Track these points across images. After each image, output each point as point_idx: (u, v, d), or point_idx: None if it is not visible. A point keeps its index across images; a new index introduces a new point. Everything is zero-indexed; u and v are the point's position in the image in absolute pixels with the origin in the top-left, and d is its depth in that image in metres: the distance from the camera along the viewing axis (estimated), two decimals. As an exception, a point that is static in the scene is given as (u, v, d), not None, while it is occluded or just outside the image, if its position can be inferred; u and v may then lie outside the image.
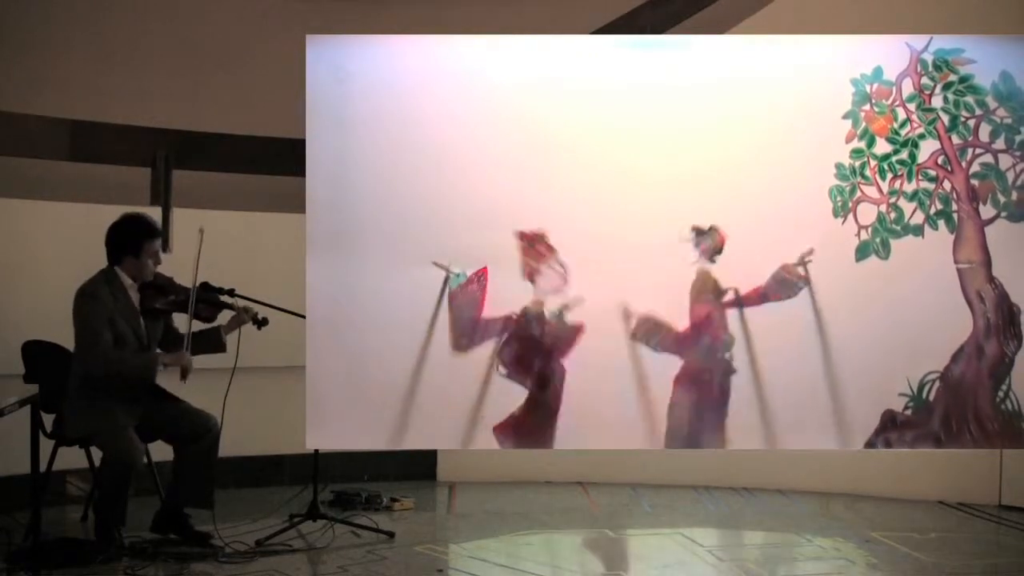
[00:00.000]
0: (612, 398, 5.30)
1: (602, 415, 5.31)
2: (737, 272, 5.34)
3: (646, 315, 5.31)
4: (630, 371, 5.31)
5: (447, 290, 5.31)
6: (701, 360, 5.32)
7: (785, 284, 5.32)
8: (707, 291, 5.32)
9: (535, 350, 5.31)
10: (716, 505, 6.80)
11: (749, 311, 5.33)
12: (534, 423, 5.31)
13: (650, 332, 5.31)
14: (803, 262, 5.30)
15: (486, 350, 5.33)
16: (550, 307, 5.31)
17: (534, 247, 5.30)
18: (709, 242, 5.30)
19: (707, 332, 5.33)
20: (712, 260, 5.32)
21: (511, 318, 5.33)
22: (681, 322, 5.33)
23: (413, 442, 5.39)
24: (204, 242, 5.55)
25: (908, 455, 6.49)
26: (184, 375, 5.57)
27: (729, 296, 5.33)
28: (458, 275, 5.31)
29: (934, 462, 6.68)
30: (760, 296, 5.33)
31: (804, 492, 6.99)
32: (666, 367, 5.33)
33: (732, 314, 5.34)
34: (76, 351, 5.58)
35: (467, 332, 5.32)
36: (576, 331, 5.32)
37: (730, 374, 5.33)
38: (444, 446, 5.57)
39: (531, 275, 5.33)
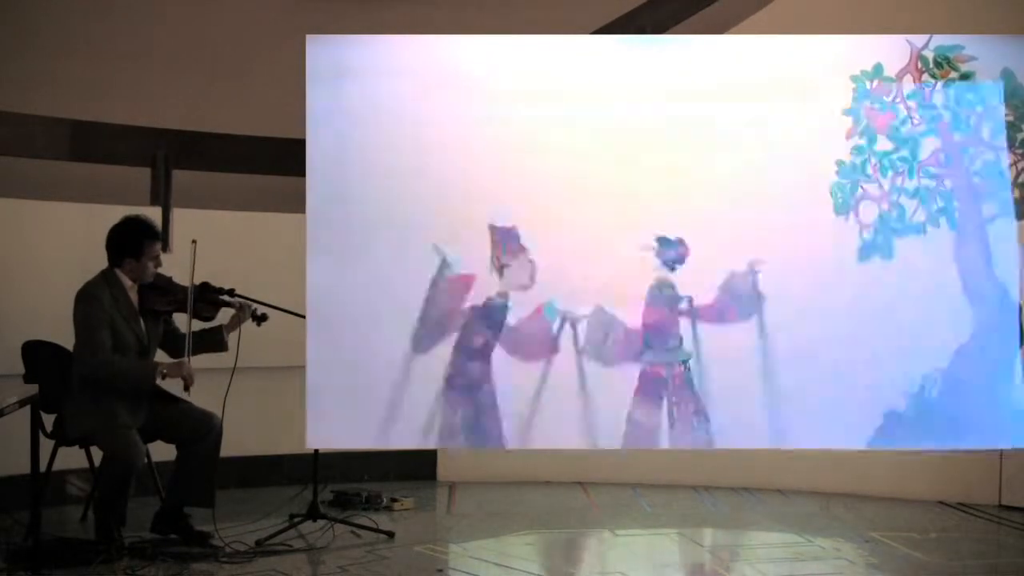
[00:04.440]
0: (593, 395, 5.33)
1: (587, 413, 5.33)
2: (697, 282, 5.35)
3: (597, 309, 5.31)
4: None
5: (444, 274, 5.31)
6: (656, 357, 5.32)
7: (738, 298, 5.31)
8: (662, 296, 5.31)
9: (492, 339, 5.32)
10: (716, 505, 6.79)
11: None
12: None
13: (600, 338, 5.31)
14: (752, 271, 5.30)
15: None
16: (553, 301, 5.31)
17: (506, 243, 5.30)
18: (673, 252, 5.30)
19: (657, 333, 5.32)
20: (672, 269, 5.32)
21: (474, 307, 5.32)
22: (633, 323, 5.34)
23: (413, 442, 5.39)
24: (203, 244, 5.56)
25: (908, 455, 6.49)
26: (187, 386, 5.56)
27: (683, 305, 5.33)
28: (451, 262, 5.31)
29: (934, 462, 6.68)
30: (716, 313, 5.33)
31: (804, 492, 6.99)
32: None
33: (685, 322, 5.35)
34: (76, 352, 5.58)
35: (430, 332, 5.32)
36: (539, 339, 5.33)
37: (687, 361, 5.32)
38: (444, 445, 5.56)
39: (499, 268, 5.32)
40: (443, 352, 5.33)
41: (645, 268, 5.32)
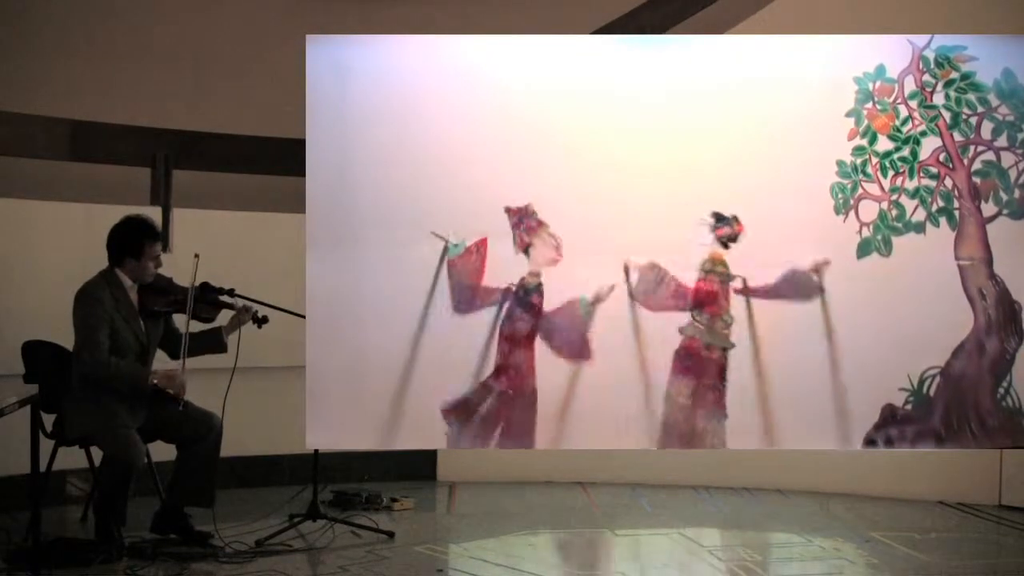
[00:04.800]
0: (609, 393, 5.31)
1: (604, 411, 5.32)
2: (748, 264, 5.33)
3: (652, 263, 5.30)
4: (629, 353, 5.30)
5: (445, 259, 5.30)
6: (699, 331, 5.31)
7: (800, 287, 5.30)
8: (715, 272, 5.31)
9: (531, 326, 5.30)
10: (716, 505, 6.80)
11: (756, 303, 5.33)
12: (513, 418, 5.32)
13: (653, 281, 5.29)
14: (818, 270, 5.30)
15: (487, 316, 5.30)
16: (583, 296, 5.28)
17: (525, 221, 5.30)
18: (727, 229, 5.30)
19: (708, 303, 5.31)
20: (726, 246, 5.32)
21: (509, 289, 5.32)
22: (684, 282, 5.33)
23: (413, 442, 5.39)
24: (203, 244, 5.60)
25: (908, 455, 6.49)
26: (177, 400, 5.54)
27: (737, 283, 5.33)
28: (456, 245, 5.30)
29: (934, 462, 6.68)
30: (770, 292, 5.33)
31: (804, 492, 6.99)
32: (665, 346, 5.32)
33: (737, 300, 5.34)
34: (75, 352, 5.58)
35: (466, 298, 5.31)
36: (587, 352, 5.31)
37: (728, 349, 5.32)
38: (444, 446, 5.55)
39: (524, 247, 5.32)
40: (448, 346, 5.31)
41: (696, 242, 5.32)
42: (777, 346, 5.31)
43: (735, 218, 5.29)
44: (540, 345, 5.32)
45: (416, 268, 5.32)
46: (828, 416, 5.31)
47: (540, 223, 5.30)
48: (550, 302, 5.32)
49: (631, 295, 5.31)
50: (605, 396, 5.31)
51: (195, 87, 6.76)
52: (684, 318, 5.33)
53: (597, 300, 5.30)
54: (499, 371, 5.31)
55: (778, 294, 5.32)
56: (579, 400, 5.32)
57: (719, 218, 5.29)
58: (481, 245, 5.31)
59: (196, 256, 5.57)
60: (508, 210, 5.31)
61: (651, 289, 5.31)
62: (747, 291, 5.32)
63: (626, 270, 5.31)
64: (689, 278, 5.32)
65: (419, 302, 5.32)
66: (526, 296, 5.30)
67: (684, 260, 5.33)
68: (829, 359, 5.31)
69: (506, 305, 5.31)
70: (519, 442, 5.33)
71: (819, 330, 5.31)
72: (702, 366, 5.32)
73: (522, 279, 5.32)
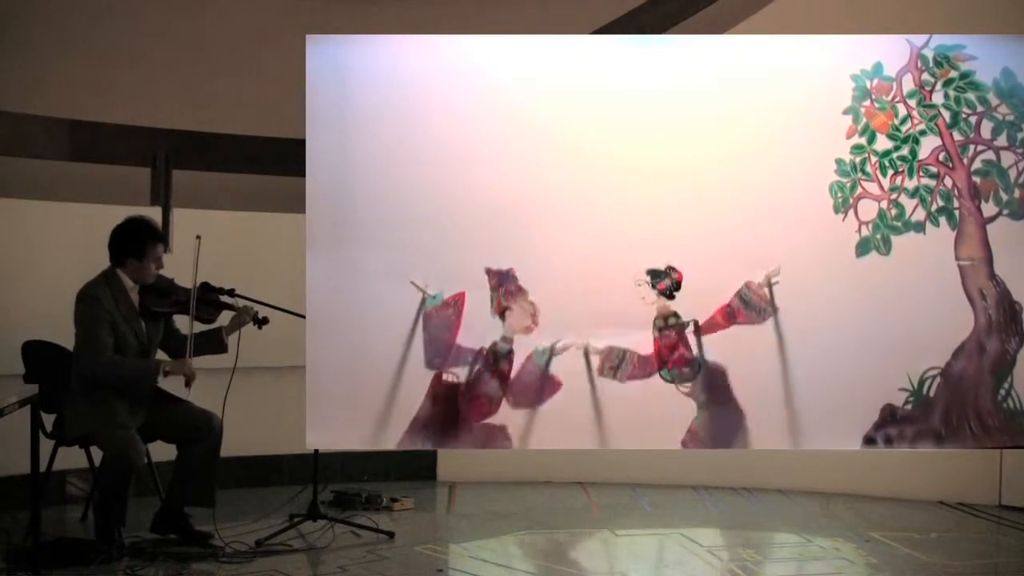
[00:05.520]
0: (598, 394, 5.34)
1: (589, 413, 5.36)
2: (697, 304, 5.34)
3: (609, 347, 5.31)
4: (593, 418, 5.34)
5: (422, 311, 5.30)
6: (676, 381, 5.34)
7: (751, 307, 5.31)
8: (668, 327, 5.31)
9: (499, 389, 5.32)
10: (716, 505, 6.80)
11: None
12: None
13: (615, 363, 5.31)
14: (769, 284, 5.30)
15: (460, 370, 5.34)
16: (537, 346, 5.30)
17: (504, 286, 5.30)
18: (667, 281, 5.31)
19: (672, 357, 5.32)
20: (671, 296, 5.32)
21: (481, 351, 5.32)
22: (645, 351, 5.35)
23: (413, 442, 5.39)
24: (204, 244, 5.57)
25: (908, 455, 6.49)
26: (188, 383, 5.57)
27: (690, 329, 5.33)
28: (434, 297, 5.30)
29: (934, 462, 6.68)
30: (727, 316, 5.32)
31: (804, 492, 6.99)
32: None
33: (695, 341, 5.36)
34: (76, 352, 5.58)
35: (440, 353, 5.31)
36: (555, 387, 5.32)
37: (698, 370, 5.33)
38: (443, 446, 5.56)
39: (500, 311, 5.32)
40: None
41: (645, 302, 5.32)
42: (777, 345, 5.31)
43: (671, 268, 5.29)
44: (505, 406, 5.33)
45: (417, 268, 5.31)
46: (827, 416, 5.31)
47: (519, 289, 5.29)
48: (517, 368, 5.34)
49: (594, 375, 5.32)
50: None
51: (195, 87, 6.76)
52: (655, 382, 5.32)
53: (553, 353, 5.31)
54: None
55: (733, 317, 5.32)
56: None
57: (655, 274, 5.29)
58: (459, 299, 5.30)
59: (198, 238, 5.56)
60: (488, 272, 5.30)
61: (616, 365, 5.32)
62: (699, 332, 5.32)
63: (586, 355, 5.31)
64: (647, 341, 5.32)
65: (419, 301, 5.32)
66: (495, 363, 5.30)
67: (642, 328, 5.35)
68: (828, 359, 5.31)
69: (476, 367, 5.30)
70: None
71: (818, 330, 5.31)
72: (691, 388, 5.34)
73: (494, 343, 5.31)
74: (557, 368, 5.32)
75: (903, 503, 6.77)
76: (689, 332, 5.32)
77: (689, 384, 5.30)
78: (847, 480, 6.93)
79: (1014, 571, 5.72)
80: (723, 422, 5.32)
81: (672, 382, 5.32)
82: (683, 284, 5.31)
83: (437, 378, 5.32)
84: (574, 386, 5.31)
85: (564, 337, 5.30)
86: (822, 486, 6.99)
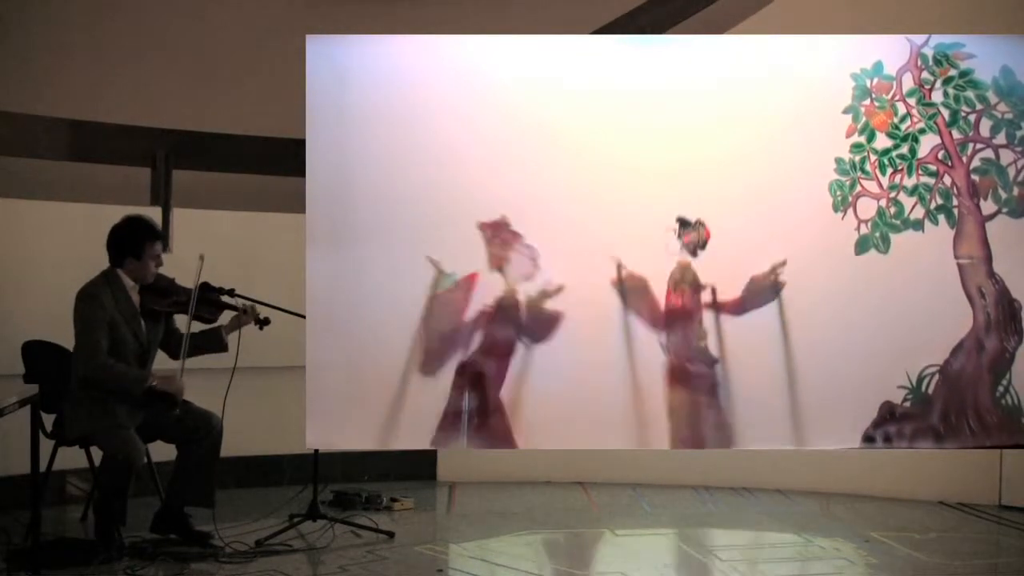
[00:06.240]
0: (596, 394, 5.29)
1: (589, 413, 5.31)
2: (718, 270, 5.32)
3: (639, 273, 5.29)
4: (616, 362, 5.29)
5: (434, 290, 5.29)
6: (679, 351, 5.30)
7: (760, 293, 5.31)
8: (685, 283, 5.30)
9: (510, 339, 5.28)
10: (716, 505, 6.79)
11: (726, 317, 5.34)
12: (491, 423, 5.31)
13: (635, 289, 5.27)
14: (775, 273, 5.30)
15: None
16: (527, 293, 5.26)
17: (498, 235, 5.28)
18: (694, 235, 5.29)
19: (680, 321, 5.31)
20: (694, 254, 5.31)
21: (484, 312, 5.30)
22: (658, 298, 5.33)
23: (413, 442, 5.39)
24: (204, 245, 5.61)
25: (908, 455, 6.49)
26: (175, 402, 5.54)
27: (706, 295, 5.32)
28: (449, 275, 5.29)
29: (934, 462, 6.68)
30: (739, 306, 5.33)
31: (804, 492, 6.99)
32: (651, 360, 5.31)
33: (708, 313, 5.34)
34: (74, 352, 5.58)
35: (437, 355, 5.29)
36: (554, 319, 5.28)
37: (713, 364, 5.32)
38: (443, 446, 5.56)
39: (499, 264, 5.30)
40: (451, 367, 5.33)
41: (667, 251, 5.30)
42: (776, 343, 5.31)
43: (700, 223, 5.28)
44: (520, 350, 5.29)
45: (417, 267, 5.31)
46: (827, 414, 5.32)
47: (515, 235, 5.27)
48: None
49: (623, 297, 5.30)
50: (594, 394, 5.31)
51: (195, 87, 6.76)
52: (659, 336, 5.32)
53: (543, 296, 5.28)
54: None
55: (743, 308, 5.32)
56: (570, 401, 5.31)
57: (684, 223, 5.28)
58: (470, 280, 5.29)
59: (201, 258, 5.58)
60: (482, 225, 5.29)
61: (634, 291, 5.30)
62: (716, 305, 5.31)
63: (618, 266, 5.28)
64: (660, 291, 5.31)
65: (419, 301, 5.32)
66: (506, 314, 5.27)
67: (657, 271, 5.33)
68: (827, 357, 5.32)
69: (484, 327, 5.28)
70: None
71: (817, 327, 5.32)
72: (692, 381, 5.31)
73: (498, 299, 5.29)
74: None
75: (903, 503, 6.77)
76: (704, 300, 5.29)
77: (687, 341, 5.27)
78: (847, 480, 6.93)
79: (1014, 571, 5.73)
80: (708, 420, 5.33)
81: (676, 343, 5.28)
82: (689, 225, 5.29)
83: (462, 368, 5.29)
84: (575, 384, 5.30)
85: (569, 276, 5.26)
86: (822, 486, 6.99)
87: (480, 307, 5.30)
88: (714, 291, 5.33)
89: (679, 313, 5.31)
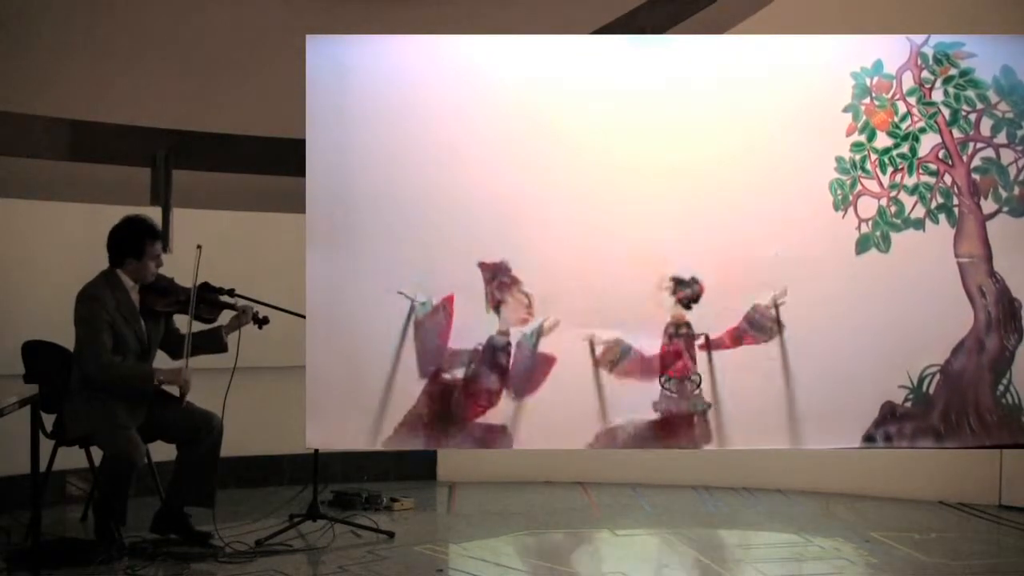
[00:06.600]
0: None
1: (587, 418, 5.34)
2: (713, 318, 5.34)
3: (617, 339, 5.30)
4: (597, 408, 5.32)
5: (412, 318, 5.30)
6: (672, 399, 5.32)
7: (759, 327, 5.32)
8: (679, 335, 5.31)
9: (499, 382, 5.31)
10: (716, 505, 6.79)
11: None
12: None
13: (615, 357, 5.30)
14: (775, 304, 5.31)
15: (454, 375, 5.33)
16: (524, 330, 5.29)
17: (497, 278, 5.29)
18: (688, 291, 5.31)
19: (675, 366, 5.31)
20: (688, 307, 5.33)
21: (476, 350, 5.31)
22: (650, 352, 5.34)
23: (413, 442, 5.39)
24: (204, 245, 5.59)
25: (908, 455, 6.48)
26: (182, 394, 5.56)
27: (700, 341, 5.33)
28: (424, 303, 5.30)
29: (934, 462, 6.67)
30: (735, 338, 5.33)
31: (804, 492, 6.99)
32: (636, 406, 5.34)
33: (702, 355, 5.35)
34: (76, 353, 5.59)
35: (434, 360, 5.30)
36: (548, 362, 5.31)
37: (706, 410, 5.33)
38: (443, 446, 5.56)
39: (495, 305, 5.31)
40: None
41: (661, 308, 5.33)
42: (776, 343, 5.31)
43: (695, 280, 5.29)
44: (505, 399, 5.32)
45: (417, 267, 5.32)
46: (827, 413, 5.32)
47: (514, 280, 5.29)
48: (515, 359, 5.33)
49: (596, 364, 5.31)
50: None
51: (195, 87, 6.75)
52: (652, 388, 5.32)
53: (540, 334, 5.30)
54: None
55: (740, 339, 5.32)
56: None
57: (679, 282, 5.30)
58: (447, 303, 5.30)
59: (199, 247, 5.57)
60: (482, 265, 5.29)
61: (615, 360, 5.31)
62: (710, 347, 5.32)
63: (591, 344, 5.30)
64: (654, 346, 5.32)
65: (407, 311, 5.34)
66: (493, 356, 5.29)
67: (649, 329, 5.34)
68: (827, 357, 5.32)
69: (473, 365, 5.30)
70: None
71: (818, 327, 5.32)
72: (680, 429, 5.33)
73: (490, 338, 5.30)
74: (549, 348, 5.31)
75: (903, 503, 6.76)
76: (698, 345, 5.31)
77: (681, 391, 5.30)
78: (847, 480, 6.92)
79: (1014, 571, 5.72)
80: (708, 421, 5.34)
81: (670, 392, 5.31)
82: (684, 283, 5.30)
83: (434, 376, 5.31)
84: (574, 382, 5.30)
85: (560, 330, 5.29)
86: (822, 486, 6.98)
87: (474, 343, 5.31)
88: (707, 337, 5.34)
89: (673, 357, 5.32)
